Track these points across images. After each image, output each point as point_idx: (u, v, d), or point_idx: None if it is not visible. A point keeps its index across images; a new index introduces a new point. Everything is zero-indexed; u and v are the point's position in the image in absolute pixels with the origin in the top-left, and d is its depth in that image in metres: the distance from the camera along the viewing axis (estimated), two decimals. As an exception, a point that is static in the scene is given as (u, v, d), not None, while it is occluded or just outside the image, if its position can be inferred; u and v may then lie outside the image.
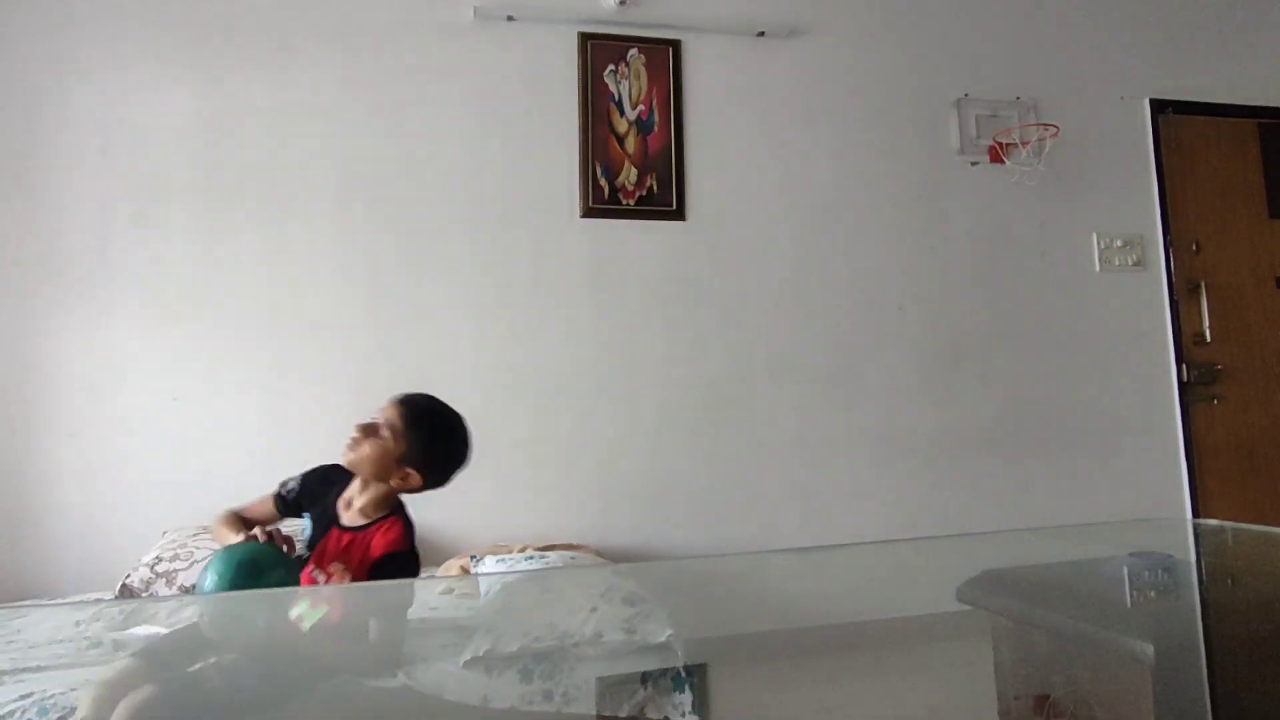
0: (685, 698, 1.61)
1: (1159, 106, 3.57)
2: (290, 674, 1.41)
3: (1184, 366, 3.45)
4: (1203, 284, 3.51)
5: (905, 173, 3.31)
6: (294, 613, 1.52)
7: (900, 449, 3.18)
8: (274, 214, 2.81)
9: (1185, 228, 3.54)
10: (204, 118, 2.80)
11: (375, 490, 1.74)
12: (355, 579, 1.61)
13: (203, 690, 1.40)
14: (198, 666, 1.44)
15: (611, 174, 3.05)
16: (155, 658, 1.54)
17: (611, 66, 3.10)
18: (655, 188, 3.08)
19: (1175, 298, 3.48)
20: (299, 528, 1.78)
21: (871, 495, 3.14)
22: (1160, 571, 1.46)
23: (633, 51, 3.12)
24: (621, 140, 3.07)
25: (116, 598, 2.28)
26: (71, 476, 2.61)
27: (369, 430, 1.74)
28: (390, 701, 1.44)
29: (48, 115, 2.71)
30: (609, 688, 1.66)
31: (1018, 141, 3.31)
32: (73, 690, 1.45)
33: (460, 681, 1.54)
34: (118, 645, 1.69)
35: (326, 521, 1.74)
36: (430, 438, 1.77)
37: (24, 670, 1.55)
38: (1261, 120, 3.68)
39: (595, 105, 3.06)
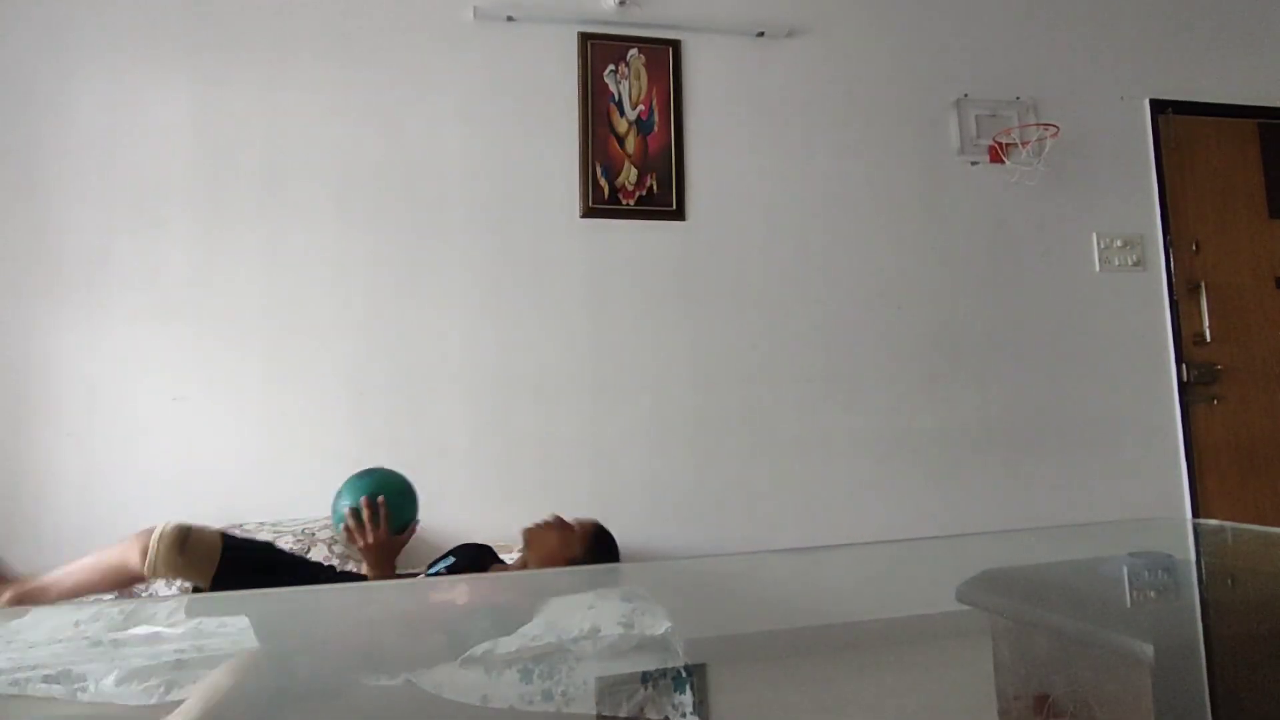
0: (685, 698, 1.61)
1: (1159, 106, 3.57)
2: (309, 672, 1.41)
3: (1184, 366, 3.45)
4: (1203, 284, 3.52)
5: (905, 173, 3.31)
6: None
7: (900, 449, 3.18)
8: (274, 214, 2.81)
9: (1185, 228, 3.54)
10: (204, 117, 2.80)
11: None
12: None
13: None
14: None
15: (611, 174, 3.05)
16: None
17: (611, 66, 3.10)
18: (655, 188, 3.08)
19: (1175, 298, 3.48)
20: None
21: (871, 495, 3.14)
22: (1160, 571, 1.46)
23: (633, 51, 3.12)
24: (621, 140, 3.07)
25: (116, 598, 2.28)
26: (71, 476, 2.61)
27: (562, 524, 2.10)
28: (390, 701, 1.44)
29: (48, 115, 2.71)
30: (609, 688, 1.66)
31: (1018, 141, 3.31)
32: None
33: (460, 681, 1.54)
34: (117, 645, 1.69)
35: (473, 570, 2.10)
36: (601, 558, 2.11)
37: (24, 670, 1.55)
38: (1261, 120, 3.68)
39: (595, 105, 3.06)
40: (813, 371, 3.15)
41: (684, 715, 1.57)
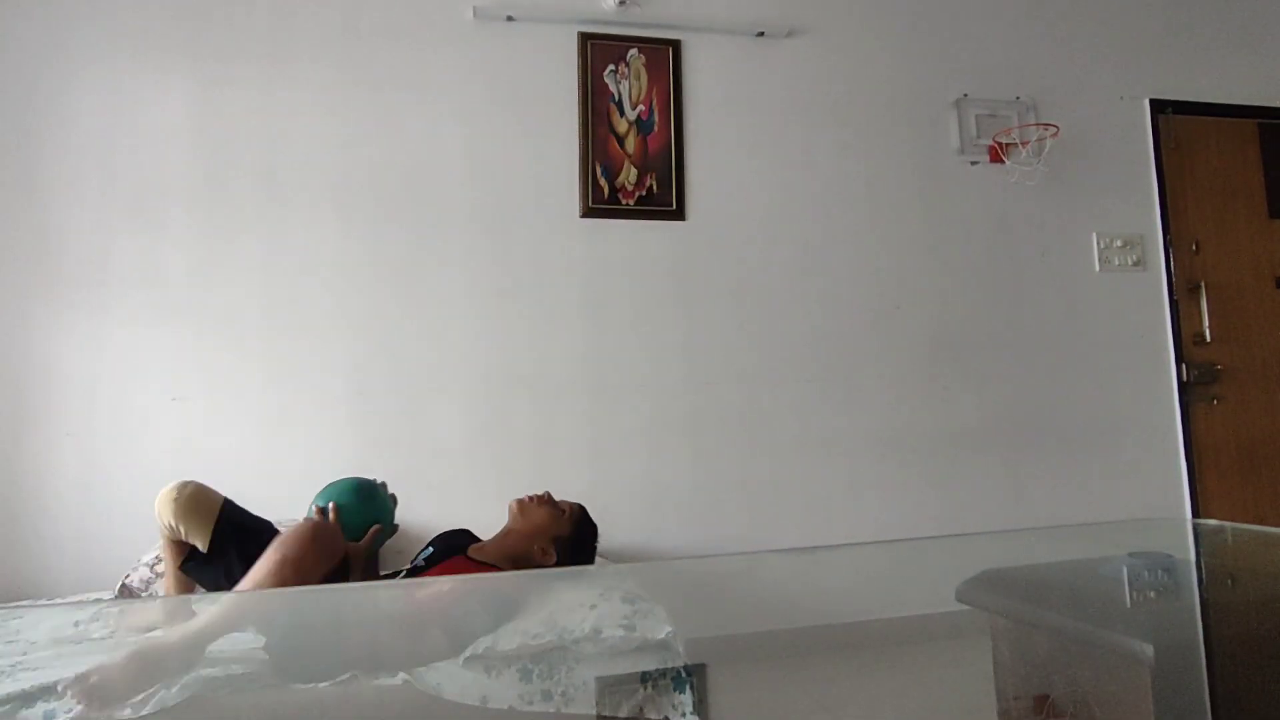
0: (685, 698, 1.61)
1: (1159, 106, 3.57)
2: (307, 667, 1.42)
3: (1184, 366, 3.45)
4: (1203, 284, 3.52)
5: (905, 173, 3.31)
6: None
7: (900, 449, 3.18)
8: (273, 214, 2.81)
9: (1185, 228, 3.54)
10: (204, 118, 2.80)
11: (510, 548, 2.04)
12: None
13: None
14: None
15: (611, 174, 3.05)
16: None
17: (611, 66, 3.10)
18: (655, 188, 3.08)
19: (1175, 298, 3.48)
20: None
21: (871, 495, 3.14)
22: (1160, 571, 1.46)
23: (633, 51, 3.12)
24: (621, 140, 3.07)
25: (116, 598, 2.28)
26: (71, 476, 2.61)
27: (552, 501, 2.13)
28: (390, 701, 1.44)
29: (48, 116, 2.71)
30: (609, 687, 1.66)
31: (1018, 141, 3.31)
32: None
33: (460, 681, 1.54)
34: (118, 645, 1.69)
35: (451, 552, 2.02)
36: (584, 539, 2.15)
37: (24, 670, 1.55)
38: (1261, 120, 3.68)
39: (595, 105, 3.06)
40: (812, 371, 3.15)
41: (684, 715, 1.56)
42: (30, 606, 2.35)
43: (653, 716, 1.56)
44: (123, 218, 2.72)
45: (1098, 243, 3.46)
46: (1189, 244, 3.54)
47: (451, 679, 1.54)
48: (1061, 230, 3.43)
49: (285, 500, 2.67)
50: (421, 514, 2.23)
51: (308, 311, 2.80)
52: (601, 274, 3.02)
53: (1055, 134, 3.27)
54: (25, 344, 2.63)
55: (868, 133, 3.30)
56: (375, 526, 2.01)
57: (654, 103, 3.11)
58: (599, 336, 2.99)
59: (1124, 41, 3.59)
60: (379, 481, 2.11)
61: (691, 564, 2.57)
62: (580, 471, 2.92)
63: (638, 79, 3.11)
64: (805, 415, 3.12)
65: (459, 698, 1.51)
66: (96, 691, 1.34)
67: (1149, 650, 1.14)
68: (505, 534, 2.10)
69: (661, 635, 1.71)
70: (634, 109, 3.09)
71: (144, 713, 1.28)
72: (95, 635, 1.69)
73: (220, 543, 1.94)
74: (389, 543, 2.46)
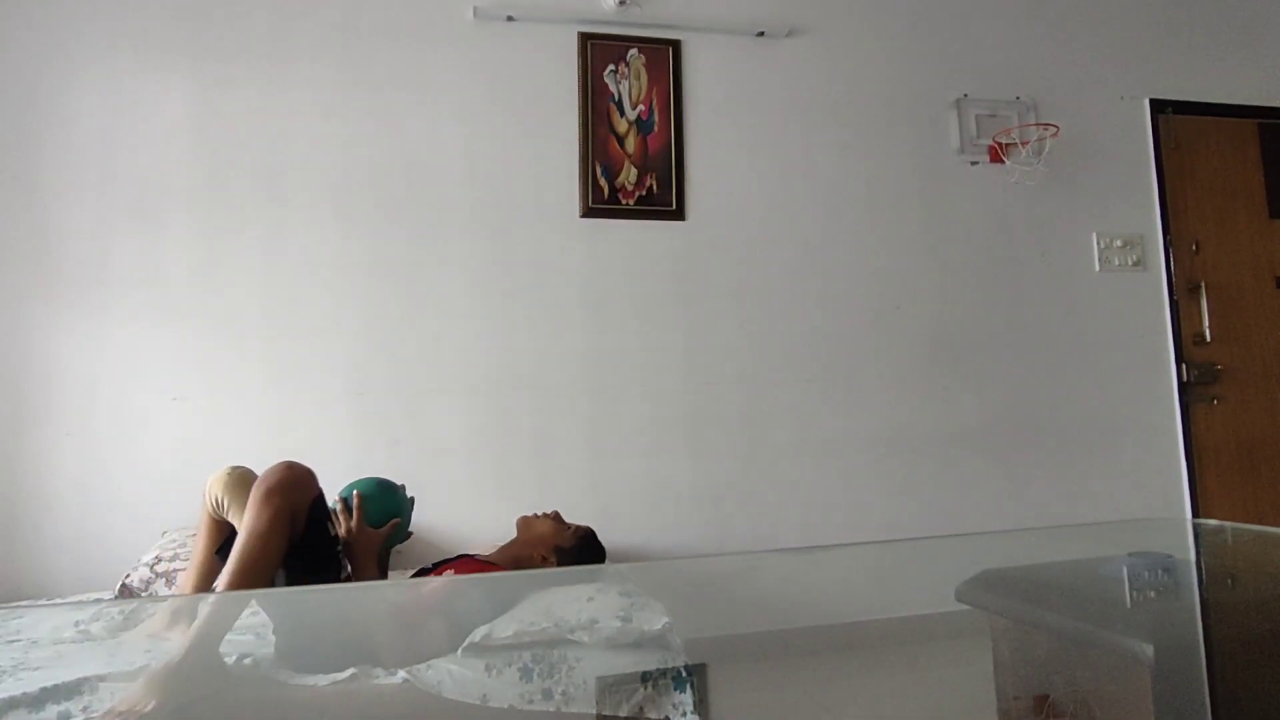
0: (685, 697, 1.61)
1: (1159, 106, 3.57)
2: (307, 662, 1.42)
3: (1184, 366, 3.45)
4: (1203, 284, 3.52)
5: (905, 173, 3.31)
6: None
7: (900, 449, 3.18)
8: (273, 214, 2.81)
9: (1185, 228, 3.54)
10: (204, 118, 2.80)
11: (513, 555, 2.12)
12: None
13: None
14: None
15: (611, 174, 3.05)
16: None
17: (611, 66, 3.10)
18: (655, 188, 3.08)
19: (1175, 298, 3.48)
20: None
21: (871, 495, 3.14)
22: (1160, 571, 1.46)
23: (633, 51, 3.12)
24: (621, 140, 3.07)
25: (116, 598, 2.28)
26: (71, 476, 2.61)
27: (559, 517, 2.22)
28: (391, 699, 1.44)
29: (49, 116, 2.71)
30: (609, 687, 1.66)
31: (1018, 141, 3.31)
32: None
33: (459, 680, 1.54)
34: (117, 646, 1.69)
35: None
36: (584, 554, 2.21)
37: (25, 670, 1.55)
38: (1261, 120, 3.68)
39: (595, 105, 3.06)
40: (812, 371, 3.15)
41: (684, 715, 1.57)
42: (30, 606, 2.35)
43: (653, 716, 1.56)
44: (123, 218, 2.72)
45: (1098, 243, 3.46)
46: (1189, 244, 3.54)
47: (452, 677, 1.54)
48: (1061, 230, 3.43)
49: (285, 500, 2.67)
50: (422, 514, 2.23)
51: (308, 311, 2.80)
52: (601, 274, 3.02)
53: (1055, 134, 3.27)
54: (25, 344, 2.63)
55: (868, 133, 3.30)
56: (394, 520, 2.08)
57: (654, 103, 3.11)
58: (599, 336, 2.99)
59: (1124, 41, 3.59)
60: (400, 484, 2.19)
61: (691, 564, 2.57)
62: (580, 471, 2.92)
63: (638, 79, 3.11)
64: (805, 415, 3.12)
65: (459, 696, 1.51)
66: None
67: (1149, 650, 1.14)
68: (509, 544, 2.18)
69: (658, 627, 1.71)
70: (634, 109, 3.09)
71: None
72: (96, 635, 1.70)
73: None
74: (396, 551, 2.47)
